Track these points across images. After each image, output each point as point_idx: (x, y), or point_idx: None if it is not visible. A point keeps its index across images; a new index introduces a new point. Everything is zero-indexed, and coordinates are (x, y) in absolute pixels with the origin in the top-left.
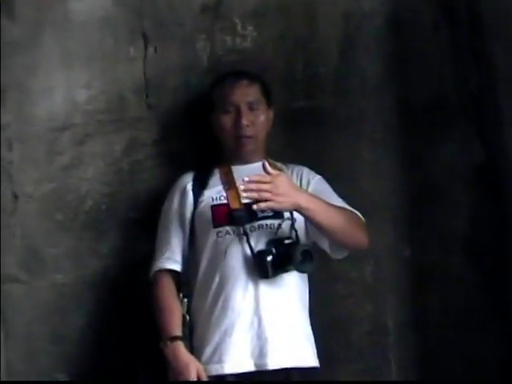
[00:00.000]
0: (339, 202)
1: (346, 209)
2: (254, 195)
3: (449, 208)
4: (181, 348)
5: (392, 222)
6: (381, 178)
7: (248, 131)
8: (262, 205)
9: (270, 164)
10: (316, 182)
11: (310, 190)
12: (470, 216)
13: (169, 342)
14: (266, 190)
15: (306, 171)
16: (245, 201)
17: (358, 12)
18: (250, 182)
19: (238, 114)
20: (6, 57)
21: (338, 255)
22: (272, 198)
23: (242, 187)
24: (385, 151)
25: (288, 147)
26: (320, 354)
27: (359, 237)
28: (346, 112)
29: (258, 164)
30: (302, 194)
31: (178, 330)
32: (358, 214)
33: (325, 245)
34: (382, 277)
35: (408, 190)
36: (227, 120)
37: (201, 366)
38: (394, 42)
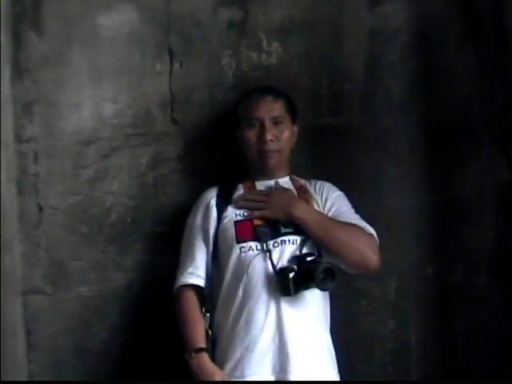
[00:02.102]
0: (354, 219)
1: (353, 224)
2: (249, 205)
3: (474, 227)
4: (206, 359)
5: (416, 239)
6: (405, 195)
7: (272, 146)
8: (256, 213)
9: (293, 180)
10: (334, 197)
11: (327, 204)
12: (495, 235)
13: (194, 354)
14: (262, 201)
15: (327, 186)
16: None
17: (384, 29)
18: (246, 199)
19: (263, 129)
20: (34, 71)
21: (352, 270)
22: (265, 206)
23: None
24: (410, 169)
25: (313, 164)
26: (343, 371)
27: (365, 254)
28: (371, 129)
29: (281, 180)
30: (298, 204)
31: (202, 342)
32: (371, 231)
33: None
34: (406, 294)
35: (433, 208)
36: (252, 135)
37: (226, 377)
38: (420, 59)
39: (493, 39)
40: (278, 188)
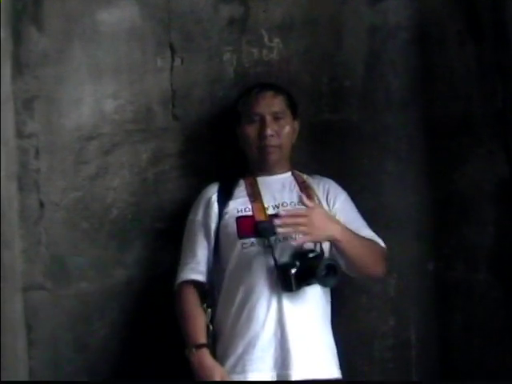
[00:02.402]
0: (364, 226)
1: (371, 240)
2: (290, 230)
3: (474, 223)
4: (206, 355)
5: (416, 236)
6: (405, 192)
7: (272, 141)
8: (300, 240)
9: (296, 175)
10: (342, 202)
11: (335, 207)
12: (495, 232)
13: (194, 350)
14: (303, 224)
15: (332, 187)
16: (270, 212)
17: (384, 26)
18: (286, 216)
19: (263, 124)
20: (34, 67)
21: (353, 274)
22: (308, 231)
23: (277, 222)
24: (410, 165)
25: (313, 160)
26: (343, 368)
27: (377, 268)
28: (371, 126)
29: (283, 175)
30: (336, 225)
31: (203, 338)
32: (381, 242)
33: (342, 262)
34: (406, 291)
35: (433, 205)
36: (252, 130)
37: (226, 373)
38: (420, 56)
39: (493, 36)
40: (312, 206)
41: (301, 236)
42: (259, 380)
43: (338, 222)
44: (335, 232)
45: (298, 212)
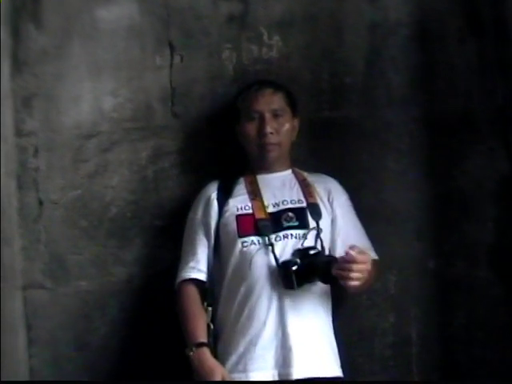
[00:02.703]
0: (361, 235)
1: (372, 262)
2: (345, 274)
3: (474, 220)
4: (206, 354)
5: (417, 233)
6: (406, 188)
7: (272, 139)
8: (352, 284)
9: (296, 173)
10: (343, 206)
11: (336, 211)
12: (495, 229)
13: (194, 349)
14: (359, 271)
15: (334, 187)
16: (270, 210)
17: (385, 23)
18: (359, 261)
19: (262, 122)
20: (33, 65)
21: None
22: (360, 279)
23: (354, 272)
24: (410, 162)
25: (313, 157)
26: (343, 366)
27: (366, 287)
28: (371, 122)
29: (283, 173)
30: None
31: (203, 337)
32: (375, 255)
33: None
34: (406, 288)
35: (433, 202)
36: (251, 128)
37: (226, 372)
38: (420, 53)
39: (493, 32)
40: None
41: (353, 283)
42: (260, 380)
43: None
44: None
45: (356, 258)
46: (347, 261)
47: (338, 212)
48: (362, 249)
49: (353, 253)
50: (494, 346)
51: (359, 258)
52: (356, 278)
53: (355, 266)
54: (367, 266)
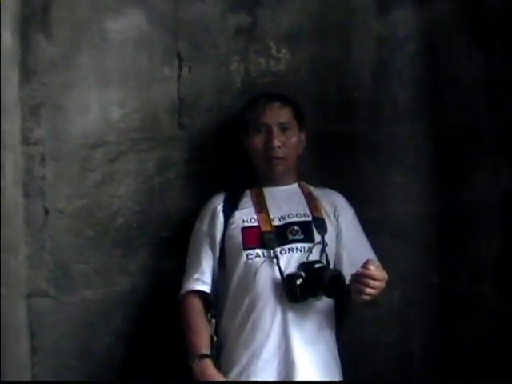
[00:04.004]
0: (367, 250)
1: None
2: (361, 289)
3: (479, 235)
4: (209, 365)
5: (421, 247)
6: (411, 203)
7: (279, 152)
8: (368, 291)
9: (302, 187)
10: (348, 220)
11: (342, 225)
12: (500, 244)
13: (197, 360)
14: (374, 287)
15: (340, 202)
16: (276, 223)
17: (392, 37)
18: (362, 275)
19: (270, 135)
20: (42, 74)
21: None
22: (374, 295)
23: (370, 287)
24: (416, 176)
25: (319, 170)
26: (346, 379)
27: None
28: (377, 136)
29: (289, 186)
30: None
31: (206, 349)
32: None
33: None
34: (410, 302)
35: (438, 216)
36: (259, 141)
37: None
38: (427, 67)
39: (500, 48)
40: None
41: (366, 297)
42: (259, 381)
43: None
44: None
45: (374, 275)
46: (365, 275)
47: (344, 226)
48: (380, 266)
49: (372, 268)
50: (498, 362)
51: (378, 275)
52: (369, 293)
53: (372, 283)
54: (382, 285)
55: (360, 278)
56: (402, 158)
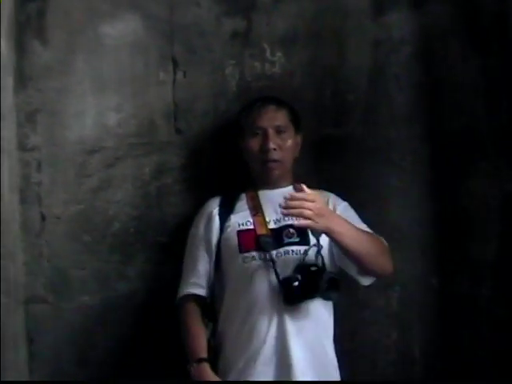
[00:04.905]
0: (366, 228)
1: (371, 234)
2: (295, 212)
3: (478, 238)
4: (207, 369)
5: (420, 250)
6: (409, 206)
7: (275, 155)
8: (302, 221)
9: (298, 189)
10: (342, 209)
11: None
12: (499, 247)
13: (195, 364)
14: (309, 208)
15: (332, 197)
16: (272, 226)
17: (388, 40)
18: (292, 199)
19: (266, 138)
20: (37, 80)
21: (366, 281)
22: (312, 217)
23: (282, 204)
24: (413, 180)
25: (315, 174)
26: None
27: (384, 262)
28: (374, 140)
29: (285, 189)
30: (336, 217)
31: (203, 353)
32: (383, 239)
33: (352, 271)
34: (409, 305)
35: (437, 219)
36: (254, 144)
37: None
38: (424, 70)
39: (497, 49)
40: (315, 194)
41: (302, 220)
42: (259, 381)
43: (337, 215)
44: (335, 223)
45: (306, 196)
46: (295, 198)
47: (340, 213)
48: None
49: (305, 187)
50: (497, 364)
51: (289, 195)
52: (308, 215)
53: (307, 204)
54: (316, 205)
55: (291, 203)
56: (399, 161)
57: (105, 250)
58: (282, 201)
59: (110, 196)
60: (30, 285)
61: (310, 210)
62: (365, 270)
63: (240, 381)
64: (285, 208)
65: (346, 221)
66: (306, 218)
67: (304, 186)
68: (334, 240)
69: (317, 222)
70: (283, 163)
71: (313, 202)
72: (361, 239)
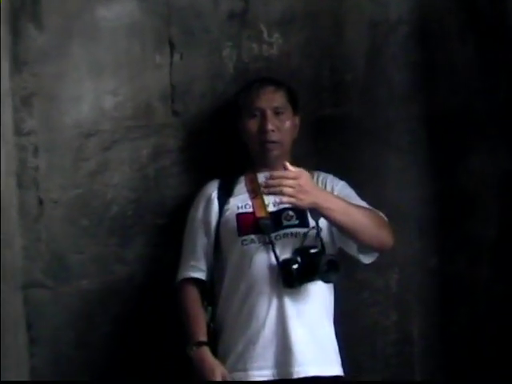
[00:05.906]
0: (364, 205)
1: (367, 208)
2: (276, 190)
3: (477, 218)
4: (207, 353)
5: (418, 230)
6: (407, 186)
7: (273, 136)
8: (285, 199)
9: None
10: (340, 188)
11: (335, 193)
12: (498, 226)
13: (195, 348)
14: (290, 186)
15: (330, 178)
16: (271, 209)
17: (385, 21)
18: (272, 177)
19: (264, 119)
20: (33, 65)
21: (367, 259)
22: (294, 194)
23: (263, 183)
24: (412, 160)
25: (314, 155)
26: (345, 364)
27: (383, 235)
28: (372, 120)
29: (284, 171)
30: (322, 193)
31: (203, 336)
32: (381, 213)
33: (353, 249)
34: (408, 286)
35: (435, 199)
36: (253, 125)
37: (226, 371)
38: (421, 50)
39: (494, 30)
40: (298, 171)
41: (284, 198)
42: (260, 380)
43: (325, 191)
44: (319, 198)
45: (286, 174)
46: (276, 177)
47: (338, 192)
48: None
49: (288, 165)
50: (497, 344)
51: (270, 174)
52: (288, 193)
53: (286, 182)
54: (299, 182)
55: (271, 181)
56: (397, 141)
57: (103, 233)
58: None
59: (107, 179)
60: (28, 269)
61: (290, 187)
62: (363, 246)
63: (241, 381)
64: (265, 187)
65: (336, 196)
66: (288, 195)
67: (287, 164)
68: (324, 216)
69: (301, 199)
70: (282, 144)
71: (294, 179)
72: (354, 214)
